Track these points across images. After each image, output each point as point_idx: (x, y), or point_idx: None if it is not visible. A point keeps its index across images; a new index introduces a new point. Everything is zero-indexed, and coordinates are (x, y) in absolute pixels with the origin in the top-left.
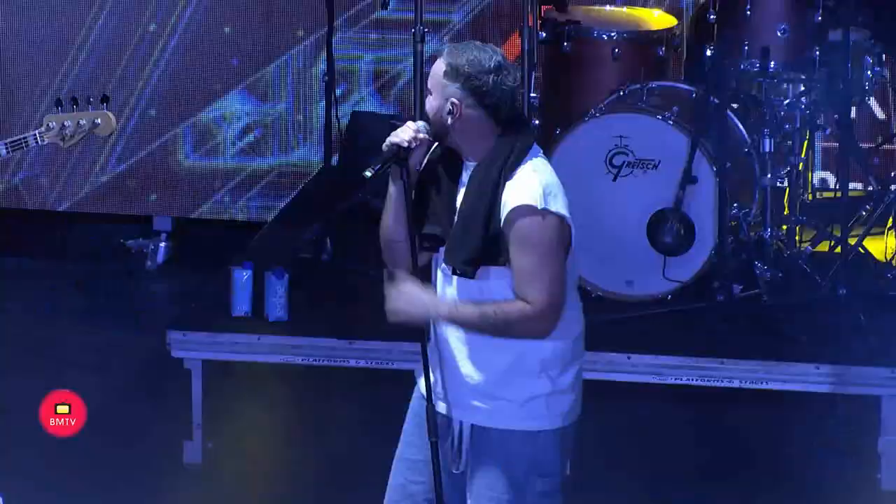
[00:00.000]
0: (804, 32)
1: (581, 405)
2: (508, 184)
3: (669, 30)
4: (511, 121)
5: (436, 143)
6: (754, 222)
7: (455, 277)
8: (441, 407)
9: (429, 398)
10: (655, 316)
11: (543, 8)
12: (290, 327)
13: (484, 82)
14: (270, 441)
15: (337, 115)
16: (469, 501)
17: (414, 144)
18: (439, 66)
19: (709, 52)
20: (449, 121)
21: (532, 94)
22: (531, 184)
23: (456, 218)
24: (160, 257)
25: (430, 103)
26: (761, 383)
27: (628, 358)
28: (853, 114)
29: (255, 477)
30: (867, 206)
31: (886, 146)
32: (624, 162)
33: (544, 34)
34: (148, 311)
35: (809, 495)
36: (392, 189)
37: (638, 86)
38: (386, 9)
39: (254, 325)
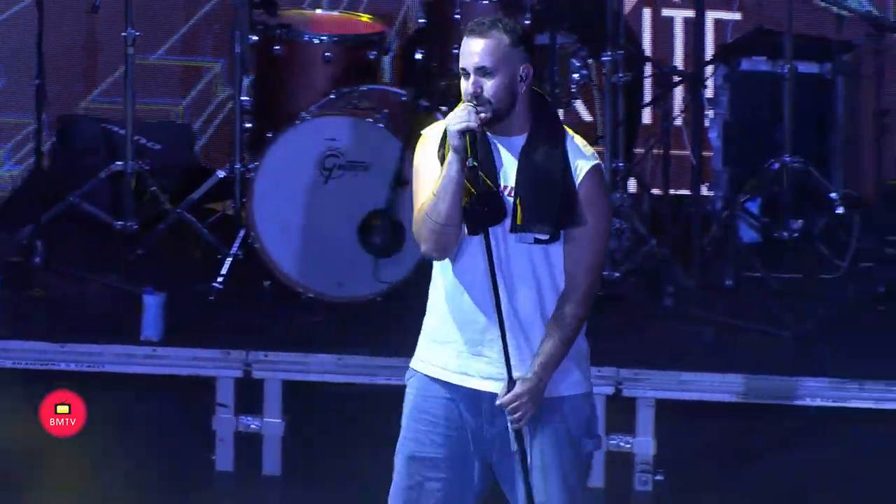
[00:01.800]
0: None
1: None
2: (572, 146)
3: (380, 34)
4: (536, 90)
5: None
6: None
7: (523, 249)
8: (491, 386)
9: (510, 378)
10: (364, 317)
11: (255, 12)
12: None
13: (532, 46)
14: None
15: (48, 119)
16: (532, 474)
17: (480, 127)
18: (499, 40)
19: (418, 56)
20: (522, 88)
21: (244, 98)
22: (588, 145)
23: (517, 190)
24: None
25: (498, 80)
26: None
27: (339, 359)
28: (560, 116)
29: None
30: None
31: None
32: (335, 164)
33: (256, 38)
34: None
35: None
36: (454, 174)
37: (349, 89)
38: (96, 13)
39: None
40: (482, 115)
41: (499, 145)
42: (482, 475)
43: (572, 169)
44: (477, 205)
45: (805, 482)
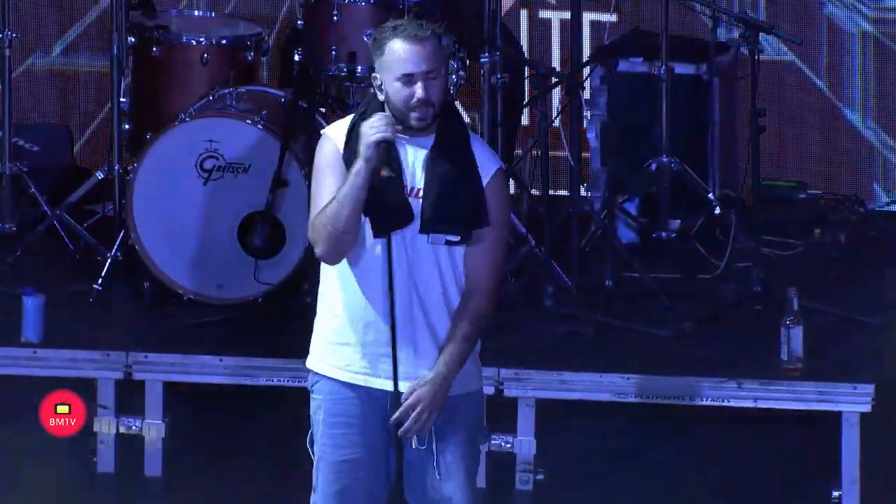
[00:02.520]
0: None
1: None
2: (478, 148)
3: (258, 35)
4: None
5: None
6: None
7: (430, 250)
8: (389, 385)
9: (395, 384)
10: (245, 318)
11: (132, 14)
12: None
13: None
14: None
15: None
16: (437, 473)
17: (395, 136)
18: (437, 43)
19: (297, 58)
20: (452, 90)
21: (122, 99)
22: (490, 148)
23: (425, 191)
24: None
25: (441, 83)
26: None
27: (220, 360)
28: None
29: None
30: None
31: None
32: (214, 166)
33: (133, 39)
34: None
35: None
36: (360, 182)
37: (227, 90)
38: None
39: None
40: (398, 126)
41: (406, 146)
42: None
43: (479, 171)
44: (385, 210)
45: (682, 479)
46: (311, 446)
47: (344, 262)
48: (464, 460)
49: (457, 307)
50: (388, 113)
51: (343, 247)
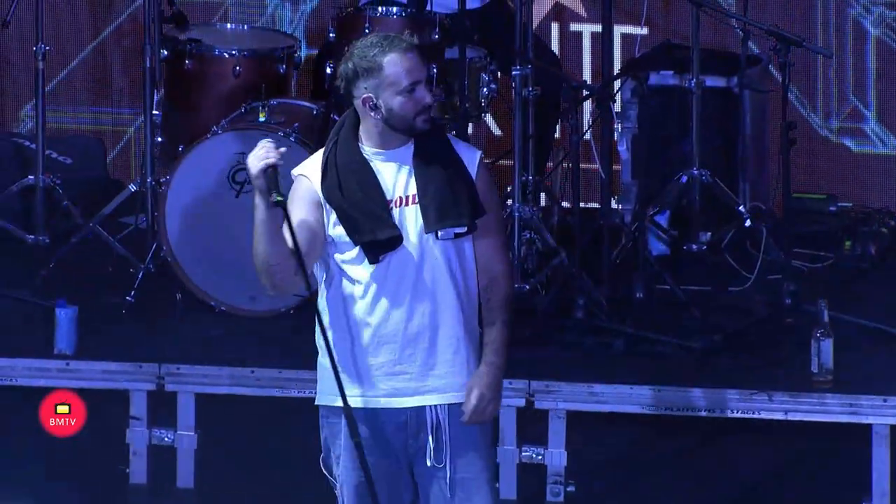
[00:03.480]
0: (422, 50)
1: None
2: (456, 143)
3: (290, 48)
4: None
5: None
6: None
7: (436, 251)
8: (413, 402)
9: (344, 400)
10: (281, 329)
11: (165, 26)
12: None
13: None
14: None
15: None
16: (453, 489)
17: (279, 159)
18: (418, 54)
19: (329, 70)
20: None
21: (154, 112)
22: (460, 139)
23: (421, 195)
24: None
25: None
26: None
27: (252, 372)
28: (470, 129)
29: None
30: None
31: (503, 161)
32: (246, 178)
33: (166, 52)
34: None
35: None
36: (262, 216)
37: (259, 103)
38: (6, 28)
39: None
40: (282, 148)
41: (378, 162)
42: (411, 486)
43: (465, 163)
44: (369, 235)
45: (712, 491)
46: (327, 468)
47: (347, 290)
48: (483, 474)
49: (484, 299)
50: (269, 139)
51: (277, 279)
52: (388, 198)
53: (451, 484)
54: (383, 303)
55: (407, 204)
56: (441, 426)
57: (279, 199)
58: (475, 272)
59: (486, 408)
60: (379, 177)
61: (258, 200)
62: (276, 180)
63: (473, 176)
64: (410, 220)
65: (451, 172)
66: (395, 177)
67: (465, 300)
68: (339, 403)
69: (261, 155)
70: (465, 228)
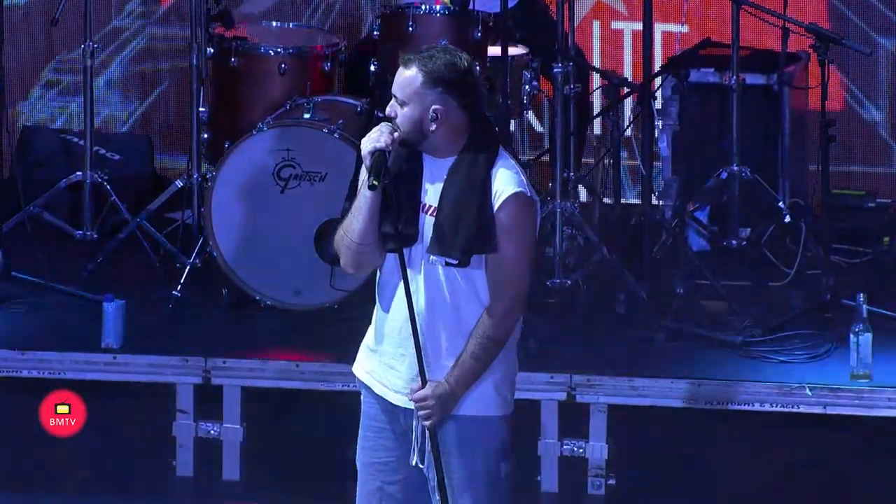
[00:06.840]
0: (465, 48)
1: None
2: (497, 173)
3: (335, 45)
4: (481, 114)
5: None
6: None
7: (439, 269)
8: (400, 400)
9: (423, 379)
10: (325, 323)
11: (211, 24)
12: None
13: (463, 85)
14: None
15: (7, 129)
16: (436, 495)
17: (392, 147)
18: (413, 77)
19: (373, 67)
20: (433, 127)
21: (201, 109)
22: (517, 174)
23: (437, 211)
24: None
25: (407, 113)
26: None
27: (297, 366)
28: (512, 126)
29: None
30: None
31: (545, 158)
32: (291, 175)
33: (212, 50)
34: None
35: None
36: (368, 194)
37: (304, 100)
38: (55, 25)
39: None
40: (396, 134)
41: (430, 165)
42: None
43: (492, 195)
44: (390, 224)
45: (755, 486)
46: None
47: (378, 273)
48: (473, 482)
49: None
50: (388, 123)
51: (361, 259)
52: (421, 198)
53: (433, 490)
54: (388, 296)
55: (430, 213)
56: (425, 433)
57: (374, 183)
58: (481, 300)
59: (427, 408)
60: (424, 178)
61: (363, 179)
62: (380, 165)
63: (495, 209)
64: (427, 229)
65: (469, 200)
66: (432, 182)
67: (454, 327)
68: (359, 375)
69: (374, 137)
70: (456, 262)
